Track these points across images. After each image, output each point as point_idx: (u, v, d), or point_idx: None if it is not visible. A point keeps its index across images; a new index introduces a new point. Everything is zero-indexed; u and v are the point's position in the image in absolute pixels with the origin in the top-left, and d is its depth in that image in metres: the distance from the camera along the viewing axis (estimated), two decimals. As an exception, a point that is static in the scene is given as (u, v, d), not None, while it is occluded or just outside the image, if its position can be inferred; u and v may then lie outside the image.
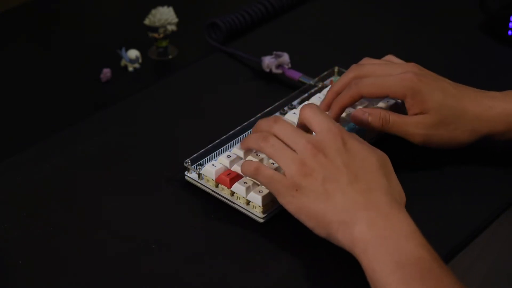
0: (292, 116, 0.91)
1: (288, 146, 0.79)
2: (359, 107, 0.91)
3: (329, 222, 0.75)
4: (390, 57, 0.93)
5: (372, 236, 0.73)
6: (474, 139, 0.87)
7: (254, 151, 0.84)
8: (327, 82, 0.99)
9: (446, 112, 0.85)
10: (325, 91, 0.95)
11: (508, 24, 1.09)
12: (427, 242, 0.73)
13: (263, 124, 0.82)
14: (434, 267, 0.72)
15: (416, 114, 0.86)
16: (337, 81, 0.90)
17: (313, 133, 0.80)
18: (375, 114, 0.86)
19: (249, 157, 0.84)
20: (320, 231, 0.77)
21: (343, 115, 0.90)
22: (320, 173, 0.76)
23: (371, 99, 0.91)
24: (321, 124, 0.79)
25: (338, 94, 0.88)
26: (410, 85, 0.85)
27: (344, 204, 0.75)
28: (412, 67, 0.88)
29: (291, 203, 0.77)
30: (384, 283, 0.71)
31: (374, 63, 0.91)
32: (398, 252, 0.72)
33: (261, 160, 0.84)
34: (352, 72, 0.89)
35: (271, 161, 0.83)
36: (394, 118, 0.86)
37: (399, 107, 0.90)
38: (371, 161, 0.78)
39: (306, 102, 0.93)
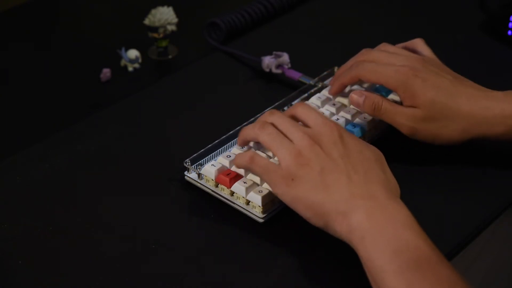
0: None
1: (284, 136, 0.79)
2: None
3: (326, 212, 0.76)
4: (384, 45, 0.93)
5: (369, 225, 0.73)
6: (467, 138, 0.87)
7: (251, 146, 0.84)
8: (327, 82, 0.98)
9: (437, 109, 0.86)
10: (325, 91, 0.95)
11: (508, 24, 1.09)
12: (424, 232, 0.73)
13: (260, 117, 0.82)
14: (431, 256, 0.72)
15: (408, 107, 0.86)
16: (348, 61, 0.93)
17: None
18: (369, 98, 0.88)
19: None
20: (317, 221, 0.77)
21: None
22: (317, 164, 0.77)
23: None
24: (316, 118, 0.80)
25: None
26: (403, 79, 0.86)
27: (342, 194, 0.75)
28: (415, 61, 0.88)
29: (287, 193, 0.77)
30: (381, 272, 0.71)
31: (387, 50, 0.92)
32: (395, 241, 0.72)
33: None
34: (361, 56, 0.92)
35: (269, 153, 0.83)
36: (386, 106, 0.87)
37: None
38: (367, 154, 0.78)
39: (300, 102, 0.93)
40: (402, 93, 0.87)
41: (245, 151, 0.82)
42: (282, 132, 0.80)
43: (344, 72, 0.91)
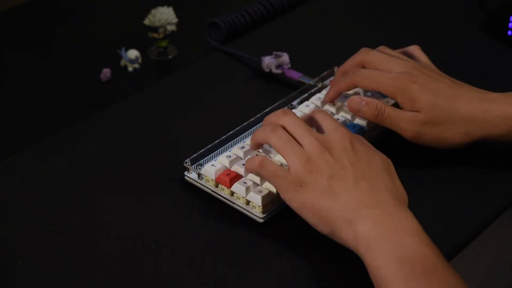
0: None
1: (295, 140, 0.79)
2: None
3: (333, 219, 0.76)
4: (382, 48, 0.93)
5: (376, 234, 0.73)
6: (469, 141, 0.87)
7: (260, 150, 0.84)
8: (326, 82, 0.98)
9: (437, 113, 0.86)
10: (325, 91, 0.95)
11: (508, 24, 1.09)
12: (431, 240, 0.73)
13: (272, 116, 0.82)
14: (437, 264, 0.72)
15: (409, 111, 0.86)
16: (345, 62, 0.92)
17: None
18: (371, 104, 0.87)
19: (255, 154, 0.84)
20: (323, 228, 0.77)
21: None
22: (326, 171, 0.77)
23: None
24: (330, 125, 0.80)
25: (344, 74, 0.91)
26: (401, 85, 0.86)
27: (349, 202, 0.75)
28: (412, 67, 0.88)
29: (294, 199, 0.77)
30: (387, 280, 0.71)
31: (385, 52, 0.91)
32: (401, 249, 0.72)
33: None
34: (360, 56, 0.91)
35: (277, 158, 0.83)
36: (389, 111, 0.87)
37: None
38: (377, 162, 0.78)
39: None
40: (401, 99, 0.86)
41: (254, 156, 0.82)
42: (293, 136, 0.80)
43: (340, 78, 0.90)
